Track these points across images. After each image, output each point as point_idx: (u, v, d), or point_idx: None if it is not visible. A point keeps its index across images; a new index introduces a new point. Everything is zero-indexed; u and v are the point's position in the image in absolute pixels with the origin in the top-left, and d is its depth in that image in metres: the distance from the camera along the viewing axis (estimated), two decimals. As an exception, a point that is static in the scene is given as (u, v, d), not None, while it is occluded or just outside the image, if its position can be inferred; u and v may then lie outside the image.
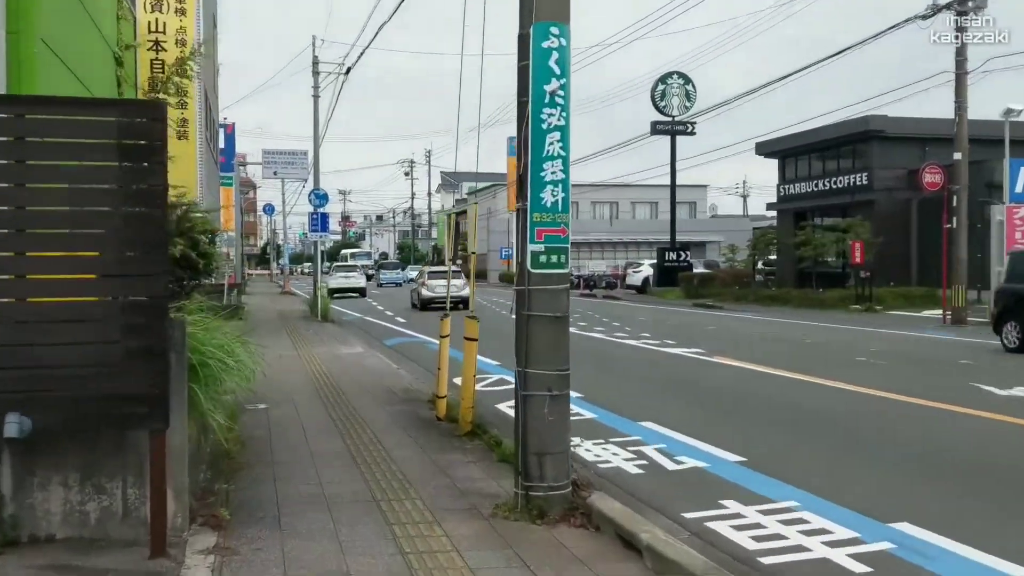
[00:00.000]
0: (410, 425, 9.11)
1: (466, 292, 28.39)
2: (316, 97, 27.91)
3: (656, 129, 42.82)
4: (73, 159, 4.71)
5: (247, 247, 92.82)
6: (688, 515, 6.00)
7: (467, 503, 6.10)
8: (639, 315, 27.33)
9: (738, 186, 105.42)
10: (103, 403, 4.68)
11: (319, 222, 27.29)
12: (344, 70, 26.69)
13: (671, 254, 43.02)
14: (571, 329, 19.87)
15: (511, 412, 10.18)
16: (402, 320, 26.77)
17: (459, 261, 79.67)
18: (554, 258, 5.89)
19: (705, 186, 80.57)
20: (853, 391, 11.29)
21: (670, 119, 42.76)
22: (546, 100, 5.84)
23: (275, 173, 38.87)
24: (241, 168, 57.69)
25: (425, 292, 31.32)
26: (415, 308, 32.26)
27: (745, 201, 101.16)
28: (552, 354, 5.88)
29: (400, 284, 59.31)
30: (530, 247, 5.85)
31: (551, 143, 5.85)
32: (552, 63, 5.83)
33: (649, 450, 8.03)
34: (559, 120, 5.86)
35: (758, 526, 5.76)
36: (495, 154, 53.52)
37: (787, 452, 8.04)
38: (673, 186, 43.85)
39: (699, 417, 9.78)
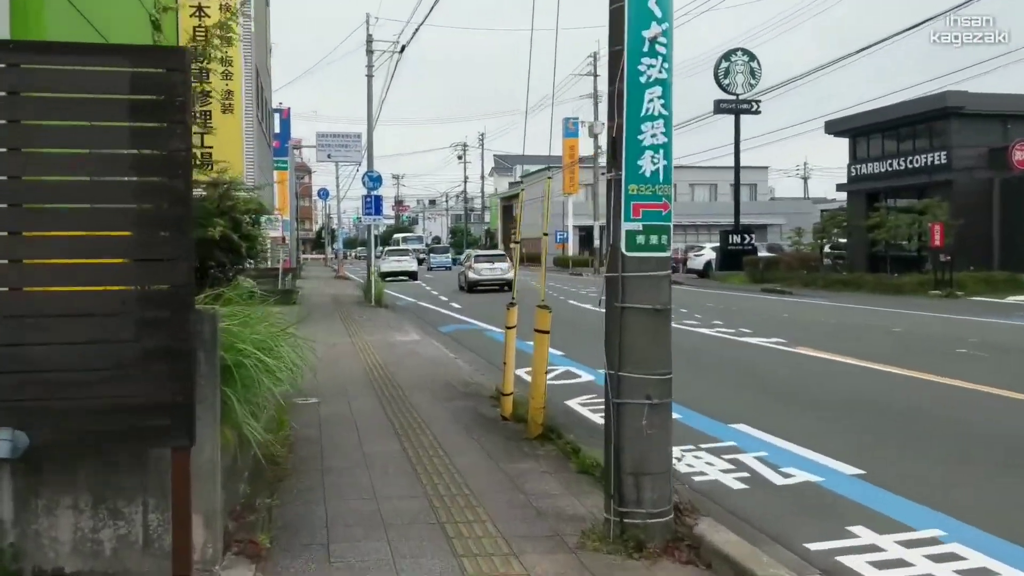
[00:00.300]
0: (473, 425, 8.22)
1: (510, 275, 29.90)
2: (370, 77, 27.11)
3: (719, 108, 41.25)
4: (75, 119, 3.85)
5: (302, 231, 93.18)
6: (813, 546, 5.00)
7: (547, 528, 5.18)
8: (706, 300, 26.12)
9: (799, 168, 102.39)
10: (114, 415, 3.84)
11: (373, 205, 26.56)
12: (399, 48, 25.86)
13: (735, 237, 41.51)
14: None
15: (583, 410, 9.29)
16: (457, 306, 25.98)
17: (512, 245, 79.16)
18: (654, 239, 4.91)
19: (766, 167, 78.50)
20: (968, 389, 10.09)
21: (734, 97, 41.13)
22: (645, 48, 4.84)
23: (329, 156, 38.28)
24: (296, 152, 57.52)
25: (472, 275, 33.18)
26: (462, 290, 33.63)
27: (806, 183, 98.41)
28: (652, 354, 4.91)
29: (449, 268, 60.23)
30: (625, 225, 4.87)
31: (650, 100, 4.86)
32: (652, 4, 4.84)
33: (749, 459, 7.02)
34: (660, 72, 4.87)
35: (902, 563, 4.74)
36: (547, 136, 52.23)
37: (912, 464, 6.96)
38: (737, 167, 42.29)
39: (797, 419, 8.72)
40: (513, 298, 8.56)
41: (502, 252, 40.66)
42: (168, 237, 3.88)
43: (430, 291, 34.88)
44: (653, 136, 4.87)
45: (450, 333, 18.06)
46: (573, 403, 9.59)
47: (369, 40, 26.91)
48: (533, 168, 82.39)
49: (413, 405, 9.30)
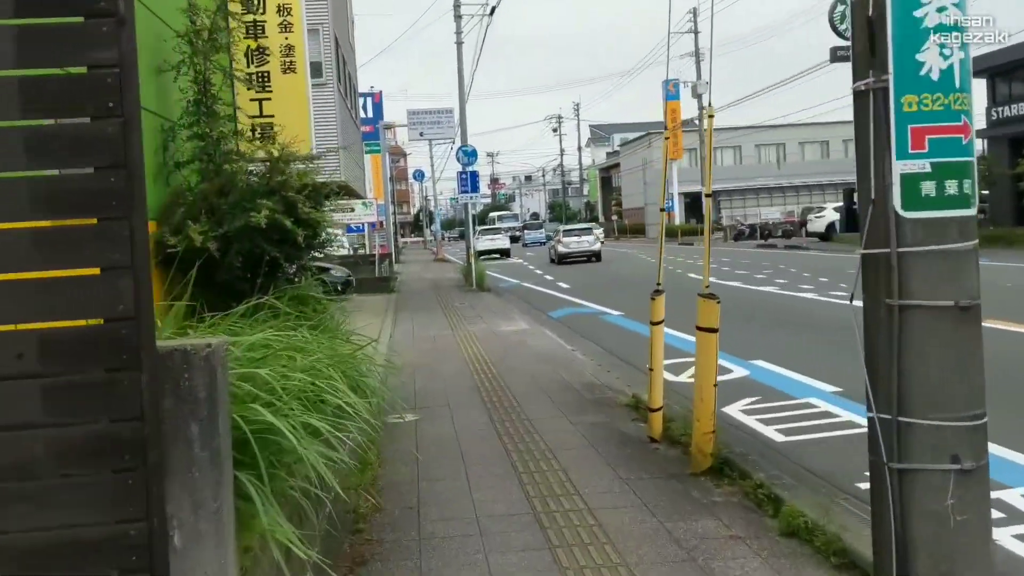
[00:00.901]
0: (614, 452, 6.30)
1: (596, 247, 35.44)
2: (459, 44, 25.29)
3: (837, 56, 37.73)
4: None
5: (400, 215, 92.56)
6: None
7: (773, 662, 3.22)
8: (847, 267, 23.41)
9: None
10: (17, 561, 2.07)
11: (469, 182, 24.78)
12: (488, 10, 23.98)
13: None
14: (771, 289, 15.82)
15: (750, 421, 7.20)
16: (564, 285, 24.02)
17: (614, 217, 76.65)
18: (951, 186, 2.86)
19: (879, 119, 73.50)
20: None
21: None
22: None
23: (421, 134, 36.75)
24: (389, 136, 56.35)
25: (561, 248, 35.76)
26: (553, 262, 35.91)
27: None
28: (954, 384, 2.88)
29: (543, 243, 61.62)
30: (899, 166, 2.85)
31: (934, -53, 2.81)
32: None
33: (1020, 500, 4.89)
34: (948, -100, 2.81)
35: None
36: (646, 102, 49.95)
37: None
38: (858, 118, 38.76)
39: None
40: (659, 284, 6.55)
41: (588, 226, 43.19)
42: (97, 230, 2.07)
43: (532, 269, 33.19)
44: (941, 11, 2.82)
45: (561, 319, 16.16)
46: (733, 410, 7.58)
47: (457, 4, 25.10)
48: (632, 136, 79.61)
49: (531, 420, 7.45)
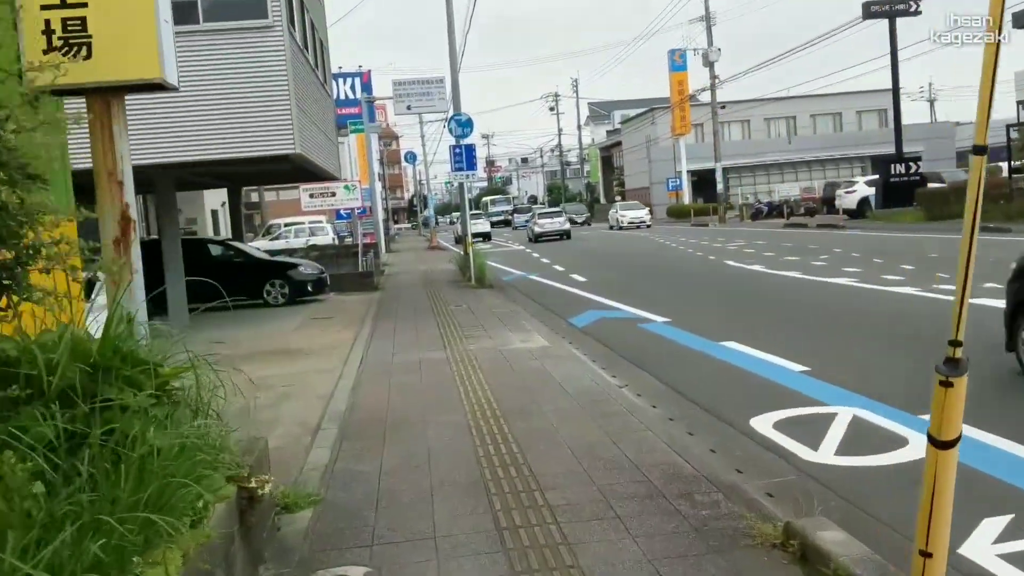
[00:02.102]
0: None
1: (567, 227, 42.58)
2: (448, -5, 21.43)
3: (870, 12, 33.99)
4: None
5: (393, 200, 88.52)
6: None
7: None
8: (926, 249, 19.59)
9: (921, 89, 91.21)
10: None
11: (463, 157, 20.87)
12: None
13: (898, 167, 34.31)
14: (843, 281, 10.96)
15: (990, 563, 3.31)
16: (579, 278, 20.22)
17: (617, 198, 72.63)
18: None
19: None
20: None
21: (887, -3, 33.85)
22: None
23: (408, 107, 32.65)
24: (380, 117, 52.39)
25: (536, 228, 42.38)
26: (531, 241, 41.84)
27: (932, 106, 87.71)
28: None
29: None
30: None
31: None
32: None
33: None
34: None
35: None
36: (648, 77, 46.40)
37: None
38: (896, 83, 35.03)
39: None
40: (957, 340, 2.63)
41: (559, 209, 50.01)
42: None
43: (536, 257, 29.55)
44: None
45: (588, 328, 12.37)
46: (988, 548, 3.83)
47: (442, -56, 21.13)
48: (633, 113, 75.60)
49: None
